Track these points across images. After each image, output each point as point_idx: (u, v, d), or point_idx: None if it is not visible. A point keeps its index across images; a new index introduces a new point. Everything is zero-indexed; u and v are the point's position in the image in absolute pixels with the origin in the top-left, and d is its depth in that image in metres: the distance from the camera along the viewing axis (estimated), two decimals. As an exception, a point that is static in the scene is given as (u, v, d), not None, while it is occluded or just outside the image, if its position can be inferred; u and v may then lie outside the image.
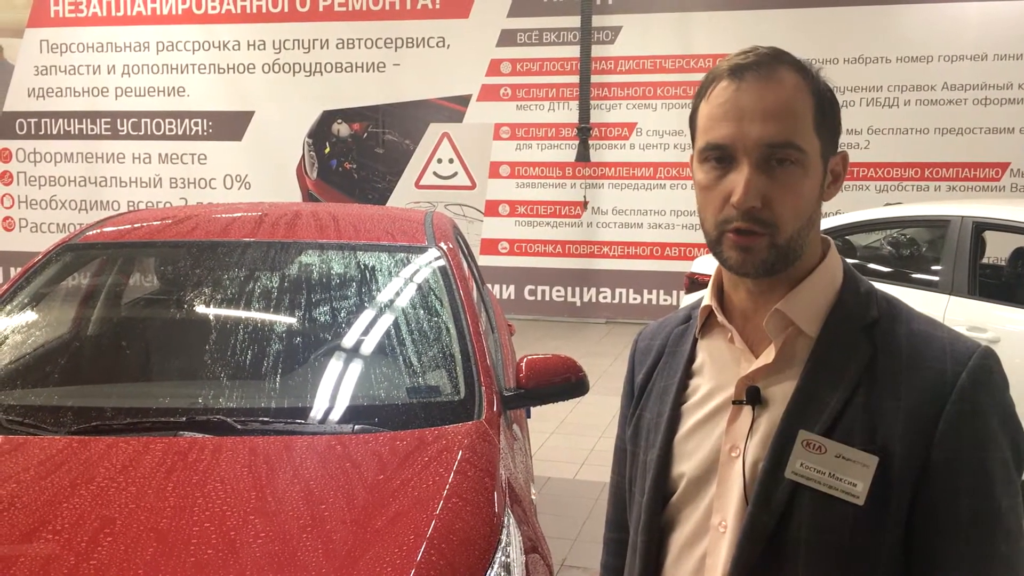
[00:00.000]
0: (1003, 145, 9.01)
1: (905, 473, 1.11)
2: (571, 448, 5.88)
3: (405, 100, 10.38)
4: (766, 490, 1.14)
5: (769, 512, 1.14)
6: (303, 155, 10.72)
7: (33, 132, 11.26)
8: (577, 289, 10.17)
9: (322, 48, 10.51)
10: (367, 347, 3.04)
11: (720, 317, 1.26)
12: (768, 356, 1.19)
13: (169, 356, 3.28)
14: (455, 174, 10.32)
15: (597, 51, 9.79)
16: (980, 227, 5.05)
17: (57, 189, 11.29)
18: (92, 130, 11.12)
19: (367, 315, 3.18)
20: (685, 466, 1.24)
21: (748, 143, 1.14)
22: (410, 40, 10.27)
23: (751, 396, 1.18)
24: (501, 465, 2.54)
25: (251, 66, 10.67)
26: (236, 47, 10.69)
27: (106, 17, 10.93)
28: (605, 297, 10.11)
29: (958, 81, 9.05)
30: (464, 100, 10.20)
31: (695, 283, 5.94)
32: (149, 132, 11.01)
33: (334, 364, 2.97)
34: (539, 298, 10.24)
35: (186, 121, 10.92)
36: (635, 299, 10.01)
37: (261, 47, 10.63)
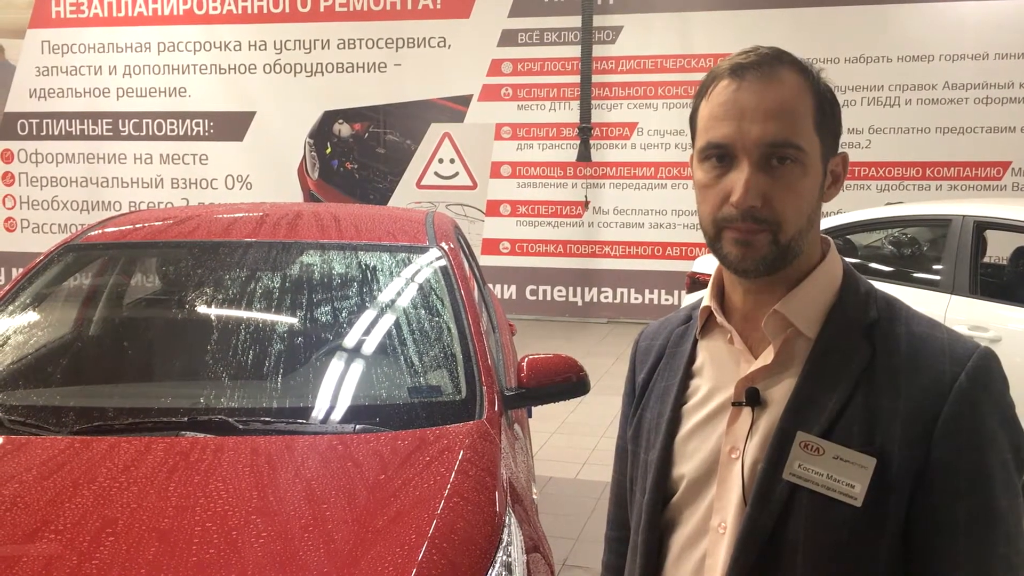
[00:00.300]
0: (1004, 144, 9.00)
1: (903, 474, 1.10)
2: (572, 448, 5.88)
3: (406, 100, 10.39)
4: (764, 491, 1.14)
5: (767, 513, 1.14)
6: (304, 155, 10.73)
7: (35, 133, 11.27)
8: (578, 289, 10.17)
9: (323, 48, 10.51)
10: (368, 347, 3.05)
11: (720, 318, 1.25)
12: (767, 357, 1.19)
13: (171, 356, 3.29)
14: (456, 174, 10.32)
15: (598, 51, 9.80)
16: (981, 226, 5.05)
17: (59, 190, 11.30)
18: (93, 131, 11.13)
19: (368, 315, 3.19)
20: (685, 467, 1.24)
21: (748, 142, 1.14)
22: (411, 40, 10.28)
23: (750, 397, 1.18)
24: (502, 465, 2.54)
25: (252, 66, 10.68)
26: (237, 47, 10.70)
27: (107, 18, 10.94)
28: (606, 297, 10.11)
29: (959, 80, 9.05)
30: (465, 100, 10.21)
31: (696, 283, 5.94)
32: (150, 133, 11.02)
33: (335, 364, 2.98)
34: (540, 298, 10.24)
35: (187, 121, 10.93)
36: (636, 299, 10.01)
37: (262, 47, 10.64)
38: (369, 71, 10.45)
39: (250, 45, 10.66)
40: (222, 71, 10.76)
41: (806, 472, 1.12)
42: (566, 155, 10.00)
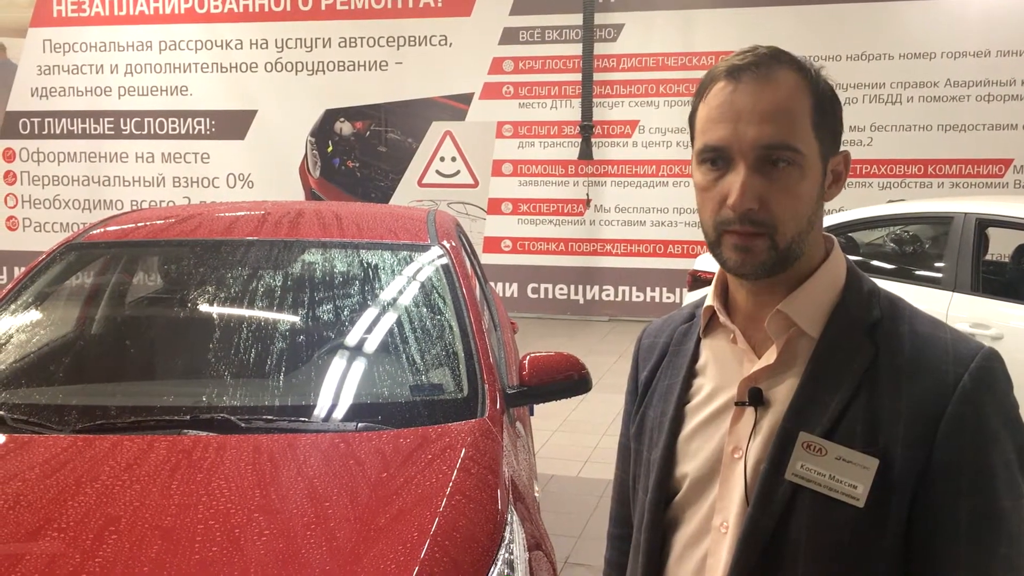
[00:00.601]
0: (1006, 141, 9.00)
1: (906, 475, 1.10)
2: (574, 446, 5.89)
3: (407, 98, 10.38)
4: (766, 492, 1.14)
5: (769, 514, 1.14)
6: (306, 154, 10.73)
7: (36, 132, 11.28)
8: (580, 287, 10.17)
9: (324, 47, 10.51)
10: (370, 345, 3.05)
11: (723, 317, 1.25)
12: (770, 357, 1.19)
13: (173, 355, 3.29)
14: (458, 172, 10.32)
15: (599, 48, 9.79)
16: (983, 224, 5.04)
17: (60, 188, 11.31)
18: (95, 129, 11.13)
19: (370, 313, 3.19)
20: (688, 466, 1.24)
21: (744, 145, 1.13)
22: (412, 38, 10.28)
23: (753, 397, 1.18)
24: (504, 462, 2.54)
25: (254, 65, 10.68)
26: (239, 46, 10.70)
27: (109, 16, 10.94)
28: (608, 295, 10.11)
29: (961, 77, 9.04)
30: (466, 98, 10.20)
31: (698, 280, 5.94)
32: (152, 131, 11.03)
33: (337, 362, 2.98)
34: (542, 296, 10.24)
35: (189, 120, 10.93)
36: (638, 297, 10.01)
37: (263, 46, 10.64)
38: (370, 69, 10.45)
39: (251, 44, 10.66)
40: (223, 70, 10.77)
41: (808, 473, 1.12)
42: (567, 153, 10.00)
